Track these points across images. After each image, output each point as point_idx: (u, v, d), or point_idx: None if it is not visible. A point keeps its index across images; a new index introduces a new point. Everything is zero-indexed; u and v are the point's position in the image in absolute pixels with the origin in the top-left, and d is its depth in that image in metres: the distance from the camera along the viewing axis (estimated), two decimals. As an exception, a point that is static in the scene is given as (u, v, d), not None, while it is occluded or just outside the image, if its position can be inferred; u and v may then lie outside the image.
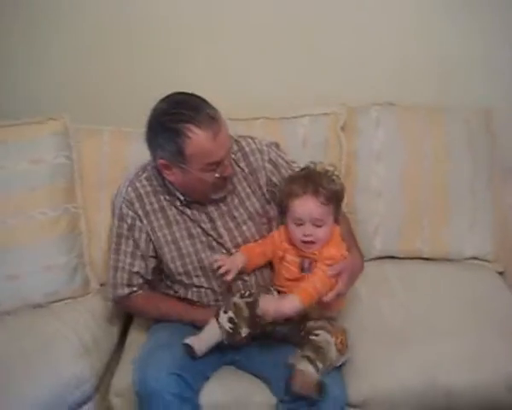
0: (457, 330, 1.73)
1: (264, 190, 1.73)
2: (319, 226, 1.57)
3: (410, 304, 1.85)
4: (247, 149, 1.74)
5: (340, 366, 1.62)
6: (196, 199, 1.66)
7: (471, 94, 2.20)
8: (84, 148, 2.03)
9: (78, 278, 1.95)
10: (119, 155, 2.01)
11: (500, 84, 2.23)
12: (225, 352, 1.62)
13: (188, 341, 1.52)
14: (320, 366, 1.50)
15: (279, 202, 1.69)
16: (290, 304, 1.49)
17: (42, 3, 2.15)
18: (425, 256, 2.07)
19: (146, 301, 1.74)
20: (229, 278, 1.59)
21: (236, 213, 1.70)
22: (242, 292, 1.62)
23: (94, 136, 2.06)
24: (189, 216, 1.68)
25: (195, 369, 1.54)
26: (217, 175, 1.57)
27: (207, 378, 1.62)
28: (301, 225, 1.58)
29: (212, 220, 1.68)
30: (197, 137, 1.50)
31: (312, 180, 1.58)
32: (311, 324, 1.59)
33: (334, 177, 1.62)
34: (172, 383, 1.47)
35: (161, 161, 1.59)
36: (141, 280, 1.71)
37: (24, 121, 1.95)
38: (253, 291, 1.62)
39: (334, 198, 1.60)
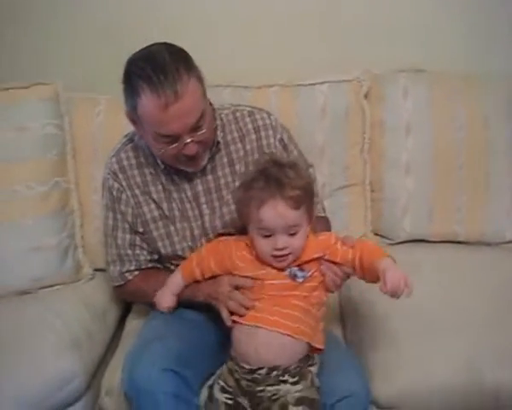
0: (501, 321, 1.52)
1: None
2: (293, 234, 1.27)
3: (444, 293, 1.63)
4: (260, 122, 1.54)
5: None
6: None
7: (507, 61, 2.02)
8: (77, 117, 1.84)
9: (69, 261, 1.75)
10: (115, 125, 1.77)
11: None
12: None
13: None
14: None
15: (236, 212, 1.39)
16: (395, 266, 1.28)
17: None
18: (460, 240, 1.87)
19: (142, 281, 1.54)
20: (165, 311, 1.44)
21: (225, 193, 1.50)
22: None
23: (88, 105, 1.86)
24: (172, 192, 1.50)
25: (195, 365, 1.33)
26: (174, 150, 1.35)
27: (207, 377, 1.40)
28: (270, 236, 1.27)
29: (195, 196, 1.50)
30: (146, 100, 1.29)
31: (275, 178, 1.25)
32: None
33: (297, 167, 1.31)
34: (167, 381, 1.25)
35: (127, 113, 1.40)
36: (133, 259, 1.53)
37: (7, 85, 1.76)
38: None
39: (307, 194, 1.29)
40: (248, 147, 1.52)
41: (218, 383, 1.33)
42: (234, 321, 1.33)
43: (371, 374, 1.43)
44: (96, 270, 1.81)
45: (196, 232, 1.50)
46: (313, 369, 1.32)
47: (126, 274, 1.54)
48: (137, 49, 1.37)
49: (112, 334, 1.73)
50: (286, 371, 1.28)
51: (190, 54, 1.38)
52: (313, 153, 1.76)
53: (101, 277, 1.80)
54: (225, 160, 1.51)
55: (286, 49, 2.02)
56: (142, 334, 1.44)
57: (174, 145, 1.34)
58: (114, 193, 1.50)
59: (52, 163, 1.74)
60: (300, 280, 1.29)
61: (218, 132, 1.48)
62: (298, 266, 1.30)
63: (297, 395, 1.26)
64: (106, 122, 1.83)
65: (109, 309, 1.75)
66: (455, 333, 1.48)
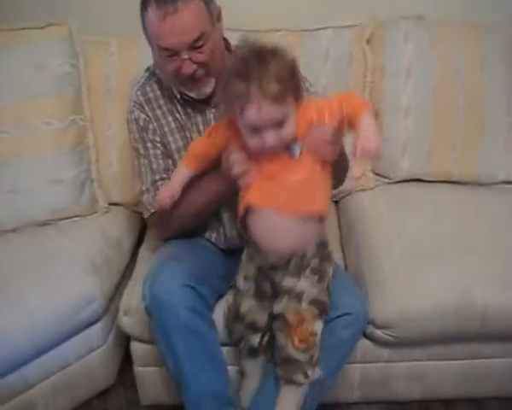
0: (489, 250, 1.64)
1: None
2: (281, 126, 1.22)
3: (438, 224, 1.75)
4: None
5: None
6: (177, 89, 1.50)
7: (506, 7, 2.06)
8: (90, 57, 1.91)
9: (85, 194, 1.85)
10: (128, 65, 1.87)
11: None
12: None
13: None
14: (299, 376, 1.37)
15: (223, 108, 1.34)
16: (373, 124, 1.18)
17: None
18: (455, 180, 1.95)
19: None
20: (167, 203, 1.38)
21: None
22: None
23: (101, 46, 1.93)
24: (187, 123, 1.54)
25: (209, 283, 1.45)
26: (174, 67, 1.40)
27: (221, 296, 1.53)
28: (258, 131, 1.22)
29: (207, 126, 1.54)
30: (151, 12, 1.36)
31: (257, 76, 1.18)
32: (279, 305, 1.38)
33: (279, 53, 1.22)
34: (186, 296, 1.37)
35: (144, 33, 1.45)
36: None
37: (24, 26, 1.83)
38: None
39: (292, 81, 1.22)
40: None
41: (240, 274, 1.42)
42: (247, 206, 1.30)
43: (370, 297, 1.56)
44: (111, 204, 1.91)
45: None
46: (330, 270, 1.39)
47: None
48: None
49: (127, 262, 1.84)
50: (306, 261, 1.33)
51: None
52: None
53: (115, 210, 1.92)
54: (207, 90, 1.50)
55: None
56: (159, 255, 1.53)
57: (175, 60, 1.38)
58: (141, 123, 1.53)
59: (69, 101, 1.82)
60: (297, 153, 1.26)
61: None
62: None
63: (312, 295, 1.34)
64: (118, 62, 1.90)
65: (124, 239, 1.86)
66: (448, 260, 1.59)
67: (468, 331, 1.55)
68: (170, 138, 1.55)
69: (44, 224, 1.80)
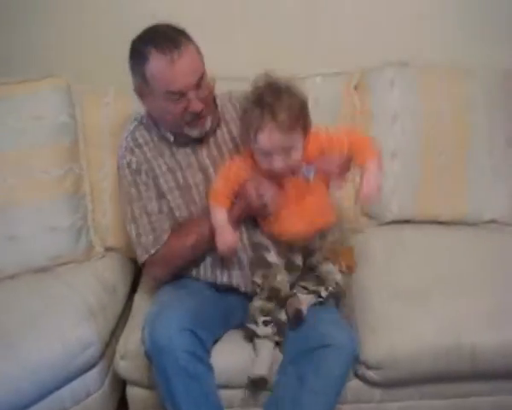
0: (477, 290, 1.68)
1: None
2: (289, 153, 1.41)
3: (427, 265, 1.79)
4: None
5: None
6: (176, 133, 1.58)
7: (488, 54, 2.14)
8: (86, 108, 1.96)
9: (82, 241, 1.88)
10: (123, 115, 1.91)
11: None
12: (236, 313, 1.56)
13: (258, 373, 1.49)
14: (322, 288, 1.55)
15: (240, 134, 1.55)
16: (377, 171, 1.44)
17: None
18: (442, 220, 2.00)
19: (177, 235, 1.59)
20: (235, 246, 1.53)
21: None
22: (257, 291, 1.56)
23: (96, 95, 1.99)
24: (182, 163, 1.61)
25: (207, 327, 1.48)
26: (182, 108, 1.49)
27: (218, 339, 1.56)
28: (268, 155, 1.41)
29: (203, 167, 1.62)
30: (154, 61, 1.45)
31: (270, 106, 1.37)
32: (314, 259, 1.57)
33: (292, 89, 1.42)
34: (184, 340, 1.40)
35: (136, 88, 1.54)
36: (166, 219, 1.60)
37: (24, 78, 1.89)
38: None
39: (301, 113, 1.41)
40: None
41: (271, 251, 1.55)
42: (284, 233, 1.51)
43: (361, 337, 1.59)
44: (107, 249, 1.95)
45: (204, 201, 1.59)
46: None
47: (163, 235, 1.57)
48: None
49: (122, 308, 1.86)
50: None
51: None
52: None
53: (111, 256, 1.95)
54: (227, 137, 1.63)
55: (280, 43, 2.14)
56: (156, 301, 1.58)
57: (181, 101, 1.47)
58: (134, 166, 1.58)
59: (66, 150, 1.87)
60: (312, 177, 1.46)
61: (219, 109, 1.62)
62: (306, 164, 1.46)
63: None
64: (114, 112, 1.95)
65: (119, 284, 1.88)
66: (437, 300, 1.63)
67: (459, 371, 1.58)
68: (161, 180, 1.60)
69: (41, 270, 1.82)
